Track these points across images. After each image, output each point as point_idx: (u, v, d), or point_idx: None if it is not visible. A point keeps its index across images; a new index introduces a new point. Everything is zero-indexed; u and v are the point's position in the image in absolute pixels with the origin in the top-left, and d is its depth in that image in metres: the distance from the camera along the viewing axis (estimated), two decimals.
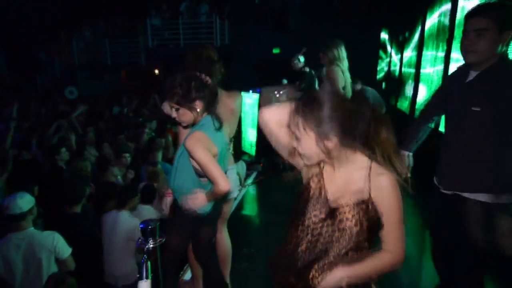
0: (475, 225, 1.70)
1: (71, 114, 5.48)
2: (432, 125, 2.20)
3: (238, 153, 5.40)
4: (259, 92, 5.98)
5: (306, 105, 1.12)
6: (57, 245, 2.26)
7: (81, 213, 2.71)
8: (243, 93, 6.06)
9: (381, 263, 1.16)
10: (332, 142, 1.10)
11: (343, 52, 3.33)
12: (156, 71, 12.25)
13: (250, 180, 5.20)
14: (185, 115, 1.79)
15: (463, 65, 1.83)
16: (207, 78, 1.83)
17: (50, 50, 11.69)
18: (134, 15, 11.27)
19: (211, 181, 1.76)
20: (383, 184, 1.12)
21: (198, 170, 1.80)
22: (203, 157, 1.70)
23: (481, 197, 1.69)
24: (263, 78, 9.13)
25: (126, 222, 2.47)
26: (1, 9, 11.60)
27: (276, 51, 10.90)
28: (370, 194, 1.13)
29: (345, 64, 3.35)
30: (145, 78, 12.46)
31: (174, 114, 1.80)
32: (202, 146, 1.71)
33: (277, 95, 6.66)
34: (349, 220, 1.14)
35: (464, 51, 1.72)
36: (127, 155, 3.97)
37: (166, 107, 1.88)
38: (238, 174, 2.70)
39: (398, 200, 1.13)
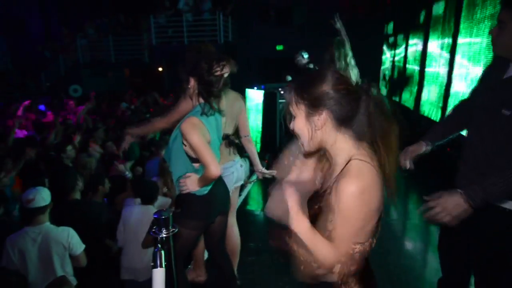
0: (497, 233, 1.55)
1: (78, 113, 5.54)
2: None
3: (243, 149, 5.42)
4: (264, 89, 5.99)
5: (302, 79, 1.12)
6: (71, 241, 2.28)
7: (82, 200, 2.75)
8: (247, 90, 6.11)
9: (321, 247, 1.07)
10: (321, 119, 1.06)
11: (345, 51, 3.32)
12: (160, 69, 12.29)
13: (254, 177, 5.22)
14: (189, 92, 1.86)
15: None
16: (217, 68, 1.82)
17: (54, 48, 11.75)
18: (137, 12, 11.29)
19: (203, 165, 1.80)
20: (340, 188, 1.03)
21: (189, 154, 1.85)
22: (197, 141, 1.75)
23: (508, 204, 1.50)
24: (267, 75, 9.14)
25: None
26: (7, 8, 11.68)
27: (279, 48, 10.90)
28: (331, 190, 1.08)
29: (350, 61, 3.34)
30: (148, 76, 12.51)
31: (186, 85, 1.86)
32: (197, 131, 1.76)
33: (281, 92, 6.67)
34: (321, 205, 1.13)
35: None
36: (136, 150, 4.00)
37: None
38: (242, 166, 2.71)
39: (353, 210, 1.02)
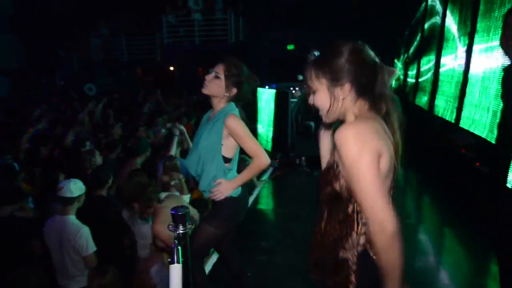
0: None
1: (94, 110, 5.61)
2: None
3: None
4: (275, 88, 5.98)
5: (322, 53, 1.12)
6: (78, 240, 2.30)
7: (107, 197, 2.80)
8: (258, 89, 6.11)
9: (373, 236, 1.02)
10: (344, 90, 1.09)
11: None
12: (171, 68, 12.39)
13: (266, 176, 5.22)
14: (216, 85, 1.89)
15: None
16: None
17: (68, 47, 11.95)
18: (150, 12, 11.39)
19: (253, 156, 1.87)
20: (336, 137, 1.03)
21: (224, 155, 1.89)
22: (247, 133, 1.85)
23: None
24: (278, 74, 9.13)
25: None
26: (22, 8, 11.92)
27: (290, 47, 10.87)
28: (334, 155, 1.12)
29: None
30: (160, 74, 12.63)
31: (210, 77, 1.91)
32: (243, 124, 1.87)
33: (293, 91, 6.65)
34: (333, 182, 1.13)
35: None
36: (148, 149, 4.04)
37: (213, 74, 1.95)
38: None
39: (356, 151, 1.00)
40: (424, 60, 6.48)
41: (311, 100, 1.16)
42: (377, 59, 1.12)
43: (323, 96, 1.12)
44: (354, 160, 1.01)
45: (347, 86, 1.08)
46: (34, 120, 4.84)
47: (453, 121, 4.53)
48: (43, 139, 4.09)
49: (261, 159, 1.86)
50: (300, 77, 7.73)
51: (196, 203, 2.86)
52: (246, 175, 1.90)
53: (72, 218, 2.36)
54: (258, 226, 3.70)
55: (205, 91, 1.92)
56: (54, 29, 11.54)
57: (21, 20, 12.01)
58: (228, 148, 1.89)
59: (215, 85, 1.89)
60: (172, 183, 2.98)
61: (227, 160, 1.90)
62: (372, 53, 1.12)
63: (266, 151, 1.94)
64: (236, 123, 1.83)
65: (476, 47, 3.92)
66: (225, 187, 1.86)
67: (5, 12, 11.99)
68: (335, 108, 1.11)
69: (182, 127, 3.72)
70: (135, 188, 2.35)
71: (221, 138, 1.86)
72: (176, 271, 1.28)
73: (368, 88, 1.09)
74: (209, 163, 1.88)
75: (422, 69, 6.60)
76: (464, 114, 4.18)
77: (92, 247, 2.34)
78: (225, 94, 1.89)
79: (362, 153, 1.00)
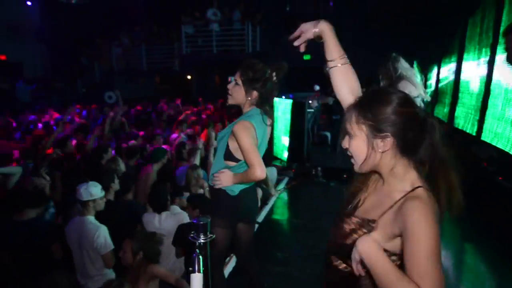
0: None
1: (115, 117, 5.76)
2: None
3: (269, 158, 5.44)
4: (292, 98, 6.00)
5: (368, 97, 1.04)
6: (97, 239, 2.39)
7: (114, 201, 2.92)
8: (275, 99, 6.15)
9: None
10: (385, 143, 0.99)
11: (402, 64, 3.11)
12: (189, 76, 12.61)
13: (281, 186, 5.21)
14: (237, 92, 1.93)
15: None
16: (276, 79, 1.95)
17: (91, 56, 12.35)
18: (169, 23, 11.68)
19: (249, 166, 1.86)
20: (411, 210, 0.92)
21: (233, 153, 1.92)
22: (247, 143, 1.83)
23: None
24: (294, 84, 9.15)
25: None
26: (49, 20, 12.45)
27: (306, 57, 10.89)
28: (395, 220, 0.97)
29: (412, 77, 3.06)
30: (177, 83, 12.88)
31: (230, 85, 1.94)
32: (249, 134, 1.84)
33: (310, 101, 6.65)
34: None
35: None
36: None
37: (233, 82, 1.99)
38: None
39: (428, 229, 0.90)
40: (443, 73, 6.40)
41: (345, 143, 1.07)
42: (429, 118, 1.00)
43: (361, 144, 1.02)
44: (428, 240, 0.90)
45: (389, 140, 0.98)
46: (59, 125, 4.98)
47: (474, 134, 4.43)
48: (64, 144, 4.24)
49: (254, 171, 1.82)
50: (317, 88, 7.74)
51: (196, 200, 2.91)
52: (240, 177, 1.89)
53: (90, 218, 2.46)
54: (274, 236, 3.69)
55: (230, 101, 1.97)
56: (78, 39, 11.99)
57: (48, 31, 12.54)
58: (237, 149, 1.91)
59: (236, 93, 1.93)
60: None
61: (234, 158, 1.92)
62: (422, 94, 1.03)
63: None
64: (239, 130, 1.84)
65: (498, 57, 3.85)
66: (225, 177, 1.89)
67: (34, 23, 12.57)
68: (371, 160, 1.02)
69: (213, 133, 3.88)
70: None
71: (227, 139, 1.92)
72: (197, 280, 1.30)
73: (413, 146, 0.98)
74: (217, 159, 1.96)
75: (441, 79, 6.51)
76: (486, 126, 4.09)
77: (110, 245, 2.42)
78: (247, 98, 1.91)
79: (437, 244, 0.91)
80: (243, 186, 1.95)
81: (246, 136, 1.82)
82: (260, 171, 1.81)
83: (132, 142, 4.84)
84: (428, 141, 0.98)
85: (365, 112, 1.00)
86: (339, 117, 5.58)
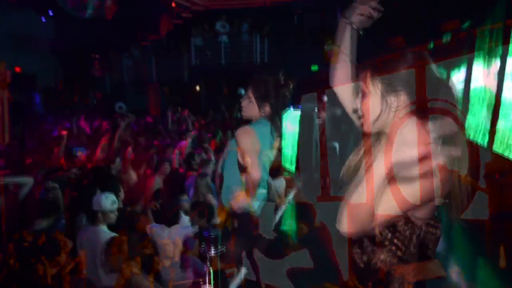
0: None
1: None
2: None
3: (278, 169, 5.42)
4: (300, 109, 6.01)
5: (384, 59, 1.05)
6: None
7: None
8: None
9: None
10: (400, 100, 0.99)
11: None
12: (197, 88, 12.77)
13: (290, 197, 5.18)
14: (250, 109, 2.01)
15: None
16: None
17: (102, 68, 12.62)
18: (178, 35, 11.90)
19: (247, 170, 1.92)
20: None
21: (241, 163, 1.97)
22: (245, 146, 1.92)
23: None
24: (303, 95, 9.18)
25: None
26: (62, 32, 12.80)
27: (314, 68, 10.96)
28: None
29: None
30: (186, 94, 13.04)
31: (245, 103, 2.02)
32: (247, 137, 1.94)
33: (317, 112, 6.64)
34: None
35: None
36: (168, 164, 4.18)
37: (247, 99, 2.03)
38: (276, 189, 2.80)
39: None
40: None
41: (357, 103, 1.09)
42: (444, 76, 1.01)
43: (374, 102, 1.03)
44: None
45: (403, 96, 1.00)
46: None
47: (485, 146, 4.36)
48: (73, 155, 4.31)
49: (250, 174, 1.90)
50: (326, 99, 7.73)
51: (202, 207, 2.95)
52: (247, 190, 1.94)
53: (103, 228, 2.51)
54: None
55: (244, 115, 2.06)
56: (90, 51, 12.28)
57: (61, 43, 12.88)
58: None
59: (249, 109, 2.02)
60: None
61: (242, 169, 1.97)
62: (437, 69, 1.01)
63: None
64: (239, 135, 1.95)
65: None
66: (241, 199, 1.95)
67: (47, 36, 12.92)
68: (384, 117, 1.02)
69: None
70: None
71: (235, 151, 1.98)
72: None
73: (426, 104, 0.97)
74: (228, 171, 2.04)
75: None
76: (497, 138, 4.03)
77: None
78: (261, 114, 1.99)
79: None
80: (259, 203, 2.02)
81: (245, 139, 1.92)
82: (254, 172, 1.91)
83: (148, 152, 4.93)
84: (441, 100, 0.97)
85: (380, 69, 1.03)
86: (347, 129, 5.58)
